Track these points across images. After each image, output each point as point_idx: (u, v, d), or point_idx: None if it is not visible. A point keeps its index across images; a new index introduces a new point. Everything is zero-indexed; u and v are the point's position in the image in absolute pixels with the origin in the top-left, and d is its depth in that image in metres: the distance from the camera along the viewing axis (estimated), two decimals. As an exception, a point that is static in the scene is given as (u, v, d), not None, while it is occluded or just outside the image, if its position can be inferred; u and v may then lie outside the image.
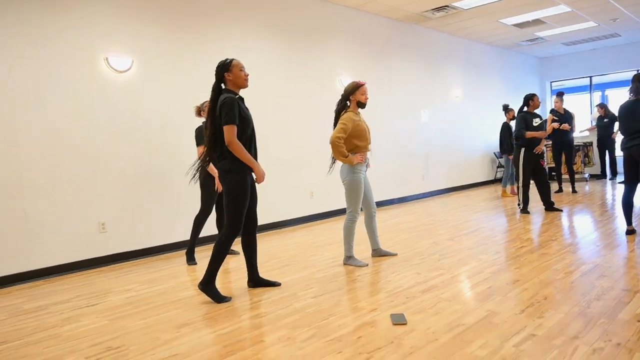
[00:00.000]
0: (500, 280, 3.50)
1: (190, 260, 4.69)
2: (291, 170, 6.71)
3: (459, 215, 6.66)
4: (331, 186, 7.26)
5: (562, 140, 8.27)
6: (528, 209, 6.49)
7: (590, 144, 10.13)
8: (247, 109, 3.42)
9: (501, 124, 8.69)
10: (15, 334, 3.00)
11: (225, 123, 3.21)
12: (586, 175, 10.31)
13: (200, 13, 5.67)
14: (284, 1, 6.61)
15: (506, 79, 11.84)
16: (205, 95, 5.71)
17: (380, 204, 8.06)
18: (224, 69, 3.38)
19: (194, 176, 3.65)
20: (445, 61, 9.80)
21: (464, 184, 10.26)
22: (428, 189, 9.22)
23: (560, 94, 8.48)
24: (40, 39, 4.47)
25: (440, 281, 3.57)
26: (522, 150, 6.28)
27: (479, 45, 10.86)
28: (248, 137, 3.35)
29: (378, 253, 4.43)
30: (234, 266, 4.47)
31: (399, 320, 2.78)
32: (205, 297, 3.48)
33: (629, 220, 4.66)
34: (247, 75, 3.40)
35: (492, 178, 11.22)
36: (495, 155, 11.12)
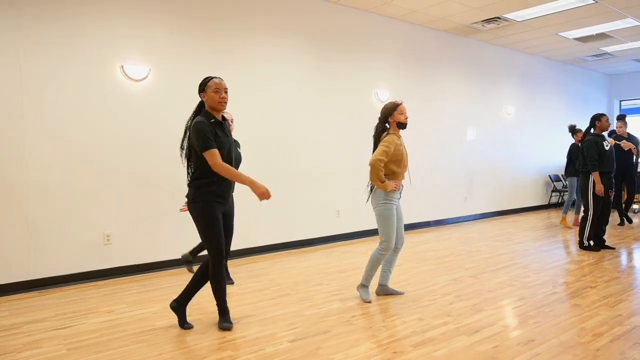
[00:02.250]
0: (510, 339, 2.99)
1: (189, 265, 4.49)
2: (319, 186, 6.39)
3: (496, 245, 6.05)
4: (359, 206, 6.86)
5: (625, 165, 7.40)
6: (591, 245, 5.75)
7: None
8: (225, 134, 3.16)
9: (569, 145, 7.90)
10: (-27, 355, 2.87)
11: (203, 150, 2.99)
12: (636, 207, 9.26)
13: (224, 19, 5.48)
14: (320, 9, 6.33)
15: (568, 96, 10.92)
16: (229, 106, 5.56)
17: (414, 226, 7.56)
18: (200, 88, 3.17)
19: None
20: (498, 76, 9.13)
21: (512, 207, 9.49)
22: (470, 212, 8.59)
23: (622, 117, 7.62)
24: (53, 44, 4.44)
25: (441, 333, 3.10)
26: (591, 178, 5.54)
27: (538, 59, 10.06)
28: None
29: (384, 291, 3.99)
30: (230, 291, 4.20)
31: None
32: (178, 331, 3.23)
33: None
34: (223, 98, 3.10)
35: (545, 203, 10.33)
36: (551, 178, 10.24)
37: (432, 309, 3.60)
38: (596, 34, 8.41)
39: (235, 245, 5.42)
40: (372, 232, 7.00)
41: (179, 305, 3.30)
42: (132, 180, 4.90)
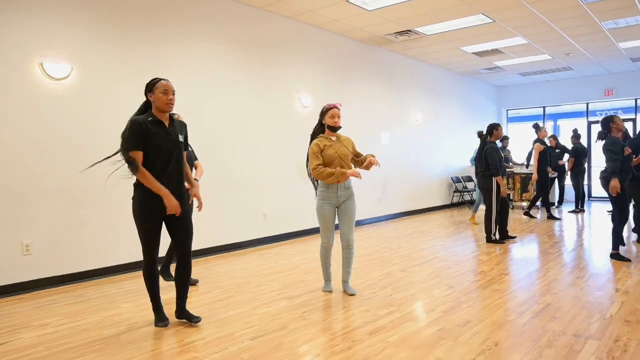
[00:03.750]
0: (451, 322, 3.32)
1: (167, 277, 4.48)
2: (244, 189, 6.42)
3: (414, 242, 6.53)
4: (286, 208, 7.00)
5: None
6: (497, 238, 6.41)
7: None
8: (167, 133, 3.14)
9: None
10: None
11: (128, 149, 3.03)
12: (538, 204, 10.47)
13: (152, 20, 5.35)
14: (245, 14, 6.38)
15: (465, 105, 11.99)
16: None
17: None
18: (147, 88, 3.18)
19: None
20: (407, 84, 9.79)
21: (420, 207, 10.21)
22: (384, 213, 9.10)
23: (537, 126, 8.69)
24: (-36, 40, 4.06)
25: (390, 321, 3.36)
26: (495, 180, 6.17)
27: (440, 71, 10.94)
28: (159, 168, 3.09)
29: (343, 287, 4.17)
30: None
31: (341, 371, 2.54)
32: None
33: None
34: (171, 100, 3.13)
35: (448, 202, 11.24)
36: (452, 180, 11.16)
37: (376, 300, 3.85)
38: (491, 50, 9.38)
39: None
40: (299, 234, 7.17)
41: (180, 310, 3.36)
42: (53, 186, 4.60)
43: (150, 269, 3.24)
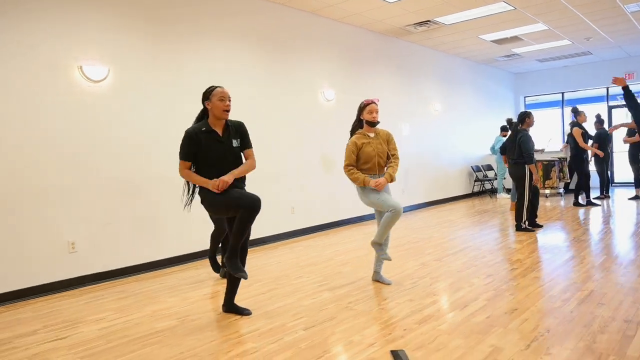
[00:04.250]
0: (498, 309, 3.36)
1: (216, 269, 4.67)
2: (272, 184, 6.48)
3: (444, 232, 6.56)
4: (312, 201, 7.07)
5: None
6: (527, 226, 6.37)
7: (565, 159, 10.24)
8: (219, 141, 3.26)
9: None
10: (-28, 375, 2.68)
11: (180, 157, 3.25)
12: (561, 190, 10.44)
13: (180, 21, 5.42)
14: (267, 11, 6.42)
15: (483, 93, 11.93)
16: (188, 106, 5.49)
17: (360, 219, 7.91)
18: (204, 97, 3.28)
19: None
20: (425, 75, 9.78)
21: (441, 197, 10.22)
22: (407, 204, 9.13)
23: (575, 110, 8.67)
24: (7, 43, 4.15)
25: (436, 310, 3.41)
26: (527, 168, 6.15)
27: (457, 60, 10.90)
28: (209, 167, 3.24)
29: (377, 277, 4.24)
30: (221, 289, 4.22)
31: (401, 358, 2.60)
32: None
33: None
34: (227, 106, 3.24)
35: (469, 192, 11.23)
36: (473, 168, 11.14)
37: (417, 290, 3.90)
38: (510, 37, 9.32)
39: (201, 246, 5.41)
40: (325, 227, 7.24)
41: (230, 304, 3.47)
42: (95, 185, 4.70)
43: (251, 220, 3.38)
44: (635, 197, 9.16)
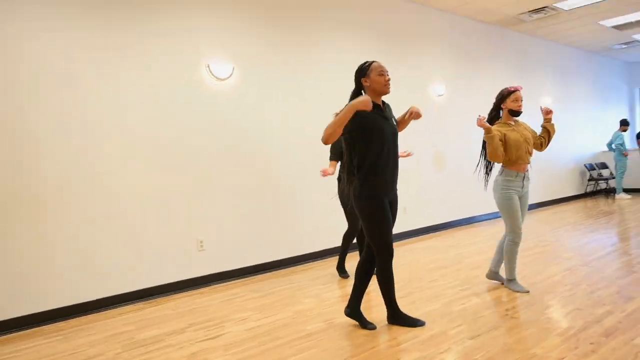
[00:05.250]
0: (695, 324, 2.89)
1: (342, 272, 4.53)
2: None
3: (573, 234, 5.98)
4: (427, 200, 6.76)
5: None
6: None
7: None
8: (385, 117, 2.98)
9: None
10: (140, 372, 2.67)
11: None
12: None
13: (299, 17, 5.34)
14: (378, 3, 6.21)
15: (594, 86, 10.96)
16: (314, 99, 5.40)
17: (468, 220, 7.47)
18: (361, 73, 3.00)
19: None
20: (535, 66, 9.11)
21: (552, 198, 9.47)
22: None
23: None
24: (139, 41, 4.24)
25: (617, 321, 2.99)
26: None
27: (569, 50, 10.09)
28: (376, 152, 2.90)
29: (492, 276, 3.96)
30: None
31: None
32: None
33: None
34: (388, 80, 2.96)
35: (581, 192, 10.35)
36: (586, 167, 10.25)
37: (580, 298, 3.48)
38: (635, 21, 8.44)
39: (325, 244, 5.29)
40: (437, 228, 6.90)
41: (354, 310, 3.17)
42: (220, 183, 4.71)
43: (390, 264, 3.01)
44: None
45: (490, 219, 7.82)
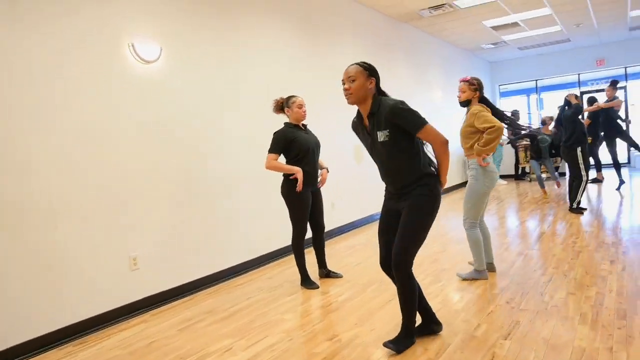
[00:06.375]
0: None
1: (310, 284, 3.97)
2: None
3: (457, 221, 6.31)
4: (352, 197, 6.57)
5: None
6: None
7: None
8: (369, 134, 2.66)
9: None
10: None
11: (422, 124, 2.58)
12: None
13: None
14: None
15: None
16: (247, 89, 4.82)
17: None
18: (372, 74, 2.68)
19: None
20: (426, 62, 9.56)
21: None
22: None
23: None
24: (52, 15, 3.31)
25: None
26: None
27: (452, 47, 10.80)
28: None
29: (491, 268, 3.91)
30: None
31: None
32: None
33: None
34: (346, 90, 2.61)
35: (464, 180, 11.17)
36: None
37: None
38: (511, 23, 9.28)
39: (266, 248, 4.78)
40: (361, 222, 6.77)
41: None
42: (150, 186, 3.94)
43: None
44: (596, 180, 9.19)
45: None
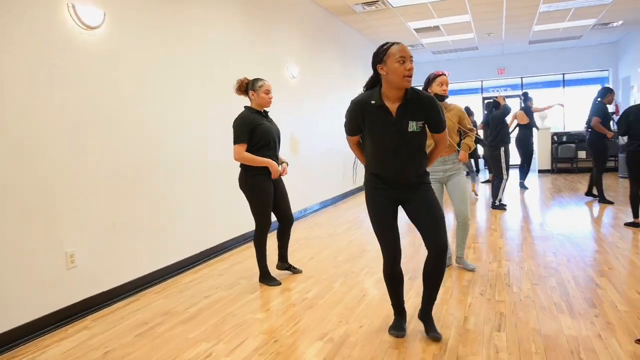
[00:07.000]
0: None
1: (271, 281, 3.69)
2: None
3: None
4: (289, 190, 6.34)
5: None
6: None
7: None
8: (392, 123, 2.43)
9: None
10: None
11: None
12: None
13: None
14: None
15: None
16: (189, 76, 4.40)
17: (324, 204, 7.40)
18: (377, 58, 2.45)
19: None
20: (352, 57, 9.62)
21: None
22: (348, 188, 8.87)
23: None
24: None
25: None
26: None
27: (372, 46, 10.95)
28: (379, 157, 2.57)
29: (459, 262, 3.93)
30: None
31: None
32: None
33: (635, 213, 5.02)
34: (409, 71, 2.34)
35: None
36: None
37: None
38: (433, 26, 9.65)
39: (213, 241, 4.41)
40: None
41: (425, 314, 2.65)
42: (85, 170, 3.42)
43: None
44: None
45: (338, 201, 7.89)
